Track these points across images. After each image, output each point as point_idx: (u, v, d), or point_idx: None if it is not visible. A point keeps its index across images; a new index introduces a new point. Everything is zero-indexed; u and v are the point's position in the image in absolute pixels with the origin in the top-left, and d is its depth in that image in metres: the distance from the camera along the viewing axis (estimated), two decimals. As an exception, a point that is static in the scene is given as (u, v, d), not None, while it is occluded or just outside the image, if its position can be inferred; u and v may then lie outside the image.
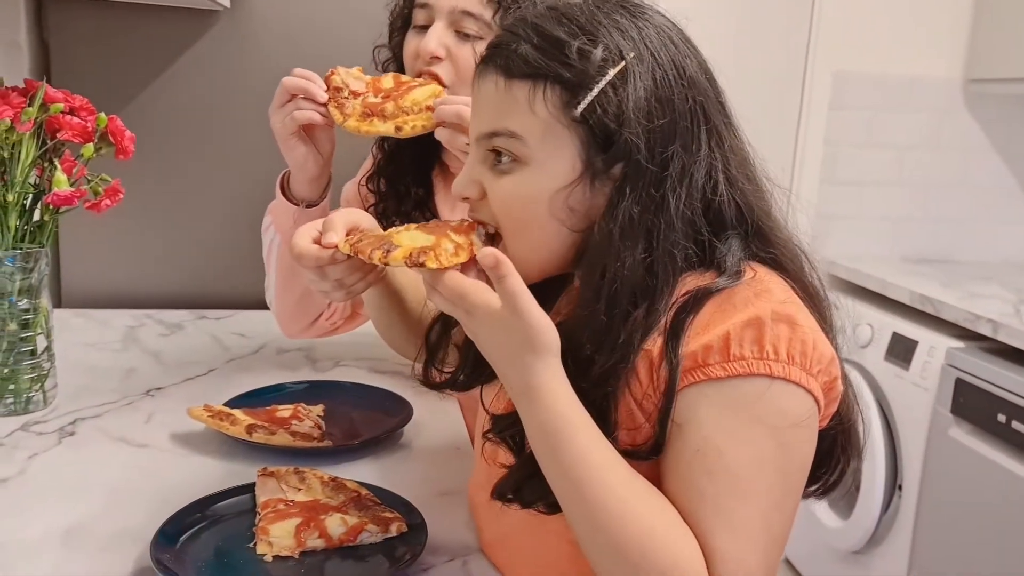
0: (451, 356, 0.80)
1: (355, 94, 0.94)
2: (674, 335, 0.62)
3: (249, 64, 1.46)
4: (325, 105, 0.94)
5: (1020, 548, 1.69)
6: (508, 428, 0.67)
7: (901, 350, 2.04)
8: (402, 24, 1.03)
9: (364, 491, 0.81)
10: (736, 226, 0.66)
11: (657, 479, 0.63)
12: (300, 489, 0.81)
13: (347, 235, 0.69)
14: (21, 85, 1.01)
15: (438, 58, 0.96)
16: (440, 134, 0.91)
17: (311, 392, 1.08)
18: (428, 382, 0.80)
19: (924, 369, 1.95)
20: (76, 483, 0.86)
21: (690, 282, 0.64)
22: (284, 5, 1.46)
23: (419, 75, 0.99)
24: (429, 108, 0.92)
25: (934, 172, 2.48)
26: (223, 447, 0.94)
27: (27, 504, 0.81)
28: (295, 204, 1.03)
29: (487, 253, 0.58)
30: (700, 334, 0.62)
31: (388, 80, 0.96)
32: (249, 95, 1.47)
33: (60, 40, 1.40)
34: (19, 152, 0.95)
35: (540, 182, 0.64)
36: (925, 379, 1.95)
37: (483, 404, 0.74)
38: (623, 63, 0.61)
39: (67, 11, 1.39)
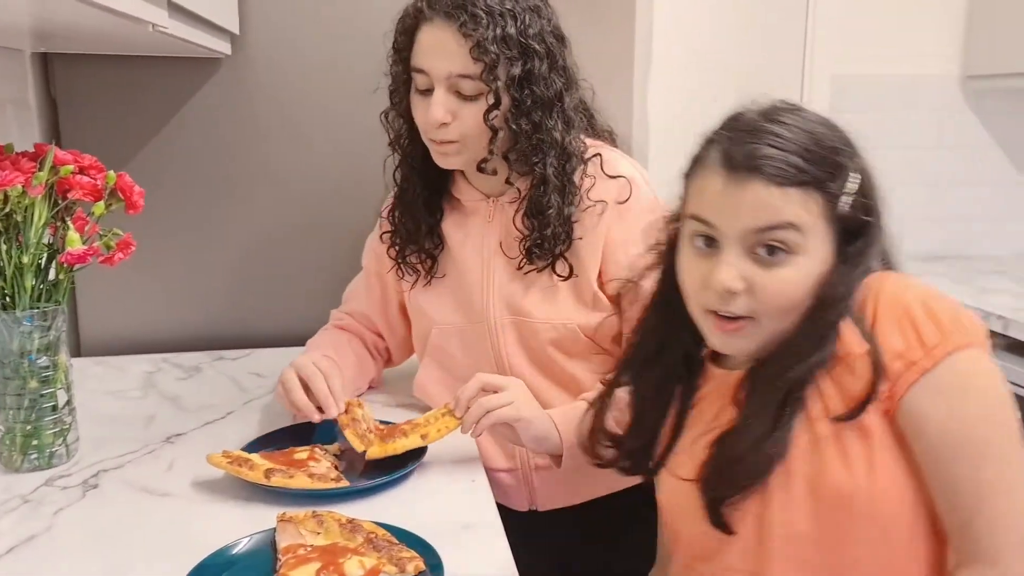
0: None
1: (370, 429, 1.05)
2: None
3: (252, 108, 1.49)
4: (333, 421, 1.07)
5: None
6: None
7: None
8: (405, 89, 1.09)
9: (381, 531, 0.83)
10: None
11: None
12: (319, 533, 0.83)
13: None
14: (31, 147, 1.04)
15: (444, 124, 1.03)
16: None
17: (326, 431, 1.10)
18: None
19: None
20: (102, 537, 0.88)
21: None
22: (284, 49, 1.49)
23: (430, 140, 1.08)
24: (448, 411, 1.02)
25: (939, 170, 2.48)
26: (244, 492, 0.96)
27: (55, 560, 0.84)
28: None
29: None
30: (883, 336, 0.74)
31: (382, 424, 1.10)
32: (253, 138, 1.50)
33: (67, 96, 1.44)
34: (32, 215, 0.98)
35: (815, 268, 0.76)
36: (940, 379, 1.94)
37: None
38: (860, 176, 0.79)
39: (73, 67, 1.42)
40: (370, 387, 1.31)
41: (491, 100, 1.02)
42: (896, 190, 2.70)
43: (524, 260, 1.10)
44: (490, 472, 1.17)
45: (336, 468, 1.00)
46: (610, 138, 1.20)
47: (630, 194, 1.10)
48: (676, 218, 0.86)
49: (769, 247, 0.76)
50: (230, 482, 0.97)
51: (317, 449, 1.03)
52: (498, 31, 1.00)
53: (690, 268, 0.81)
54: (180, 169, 1.49)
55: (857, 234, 0.79)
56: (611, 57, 2.06)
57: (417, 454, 1.02)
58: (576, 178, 1.09)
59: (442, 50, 1.01)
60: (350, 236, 1.53)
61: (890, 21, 2.40)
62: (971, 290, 2.05)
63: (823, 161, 0.76)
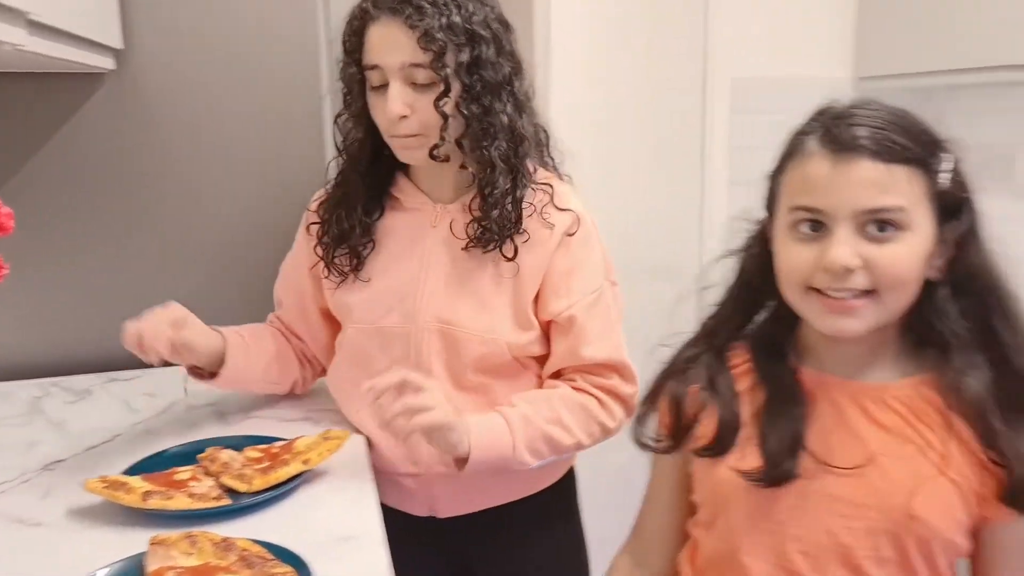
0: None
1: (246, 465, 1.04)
2: None
3: (139, 123, 1.46)
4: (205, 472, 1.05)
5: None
6: None
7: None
8: (360, 90, 1.10)
9: (256, 548, 0.82)
10: None
11: None
12: (191, 554, 0.81)
13: None
14: None
15: (403, 116, 1.06)
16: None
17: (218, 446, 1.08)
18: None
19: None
20: (-32, 570, 0.85)
21: None
22: (173, 62, 1.46)
23: (391, 136, 1.09)
24: (326, 438, 1.07)
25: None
26: (121, 518, 0.94)
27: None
28: (202, 379, 1.20)
29: None
30: None
31: (255, 451, 1.08)
32: (142, 153, 1.47)
33: (-60, 115, 1.39)
34: None
35: (921, 244, 0.79)
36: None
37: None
38: (954, 157, 0.81)
39: (-55, 85, 1.38)
40: (293, 391, 1.30)
41: (442, 87, 1.04)
42: None
43: (472, 242, 1.11)
44: (391, 476, 1.17)
45: (219, 487, 0.99)
46: (547, 138, 1.22)
47: (578, 228, 1.13)
48: (764, 224, 0.88)
49: (880, 224, 0.78)
50: (107, 508, 0.95)
51: (205, 463, 1.02)
52: (443, 20, 1.03)
53: (794, 255, 0.81)
54: (64, 187, 1.45)
55: (953, 213, 0.81)
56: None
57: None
58: (528, 164, 1.12)
59: (392, 43, 1.04)
60: (246, 251, 1.52)
61: (785, 26, 2.48)
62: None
63: (921, 140, 0.79)
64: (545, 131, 1.21)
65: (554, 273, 1.12)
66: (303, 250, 1.24)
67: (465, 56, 1.05)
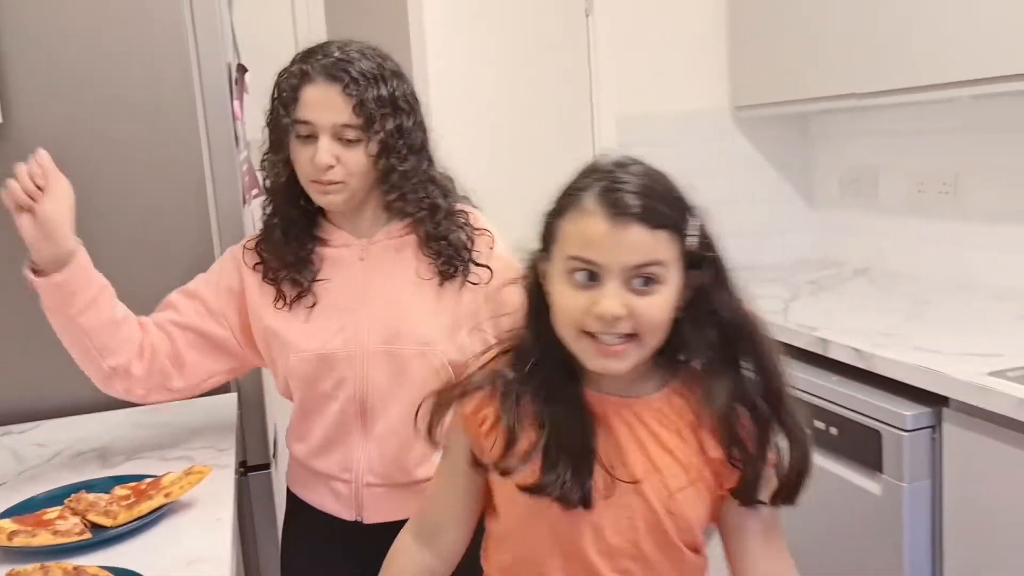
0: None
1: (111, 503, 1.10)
2: None
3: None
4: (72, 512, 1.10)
5: (816, 523, 1.88)
6: None
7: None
8: (284, 135, 1.23)
9: (104, 573, 0.90)
10: None
11: None
12: (43, 582, 0.89)
13: None
14: None
15: (331, 166, 1.20)
16: None
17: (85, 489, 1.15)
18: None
19: (721, 373, 2.15)
20: None
21: None
22: (59, 116, 1.52)
23: (313, 182, 1.22)
24: (188, 473, 1.14)
25: (722, 192, 2.71)
26: (-12, 558, 1.01)
27: None
28: (40, 276, 1.16)
29: None
30: None
31: (122, 490, 1.15)
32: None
33: None
34: None
35: (673, 294, 0.91)
36: (723, 382, 2.14)
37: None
38: (700, 222, 0.93)
39: None
40: (120, 370, 1.24)
41: (374, 148, 1.21)
42: None
43: (441, 279, 1.27)
44: (326, 481, 1.30)
45: (86, 524, 1.06)
46: (453, 185, 1.35)
47: (494, 243, 1.31)
48: (539, 258, 0.96)
49: (644, 279, 0.90)
50: (-23, 550, 1.02)
51: (71, 504, 1.09)
52: (374, 92, 1.20)
53: (569, 299, 0.91)
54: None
55: (696, 264, 0.93)
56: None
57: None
58: (457, 206, 1.30)
59: (328, 105, 1.19)
60: (140, 285, 1.58)
61: (663, 64, 2.65)
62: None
63: (677, 207, 0.92)
64: (450, 177, 1.35)
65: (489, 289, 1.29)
66: (226, 277, 1.32)
67: (390, 123, 1.21)
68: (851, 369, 1.75)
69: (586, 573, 0.95)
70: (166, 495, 1.09)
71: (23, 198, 1.11)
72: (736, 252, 3.07)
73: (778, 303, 2.18)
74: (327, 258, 1.30)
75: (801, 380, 1.84)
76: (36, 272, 1.16)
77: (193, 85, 1.57)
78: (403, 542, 1.08)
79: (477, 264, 1.28)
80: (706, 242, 0.93)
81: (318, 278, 1.29)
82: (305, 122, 1.20)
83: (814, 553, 1.86)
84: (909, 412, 1.58)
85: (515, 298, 1.19)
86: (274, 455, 1.87)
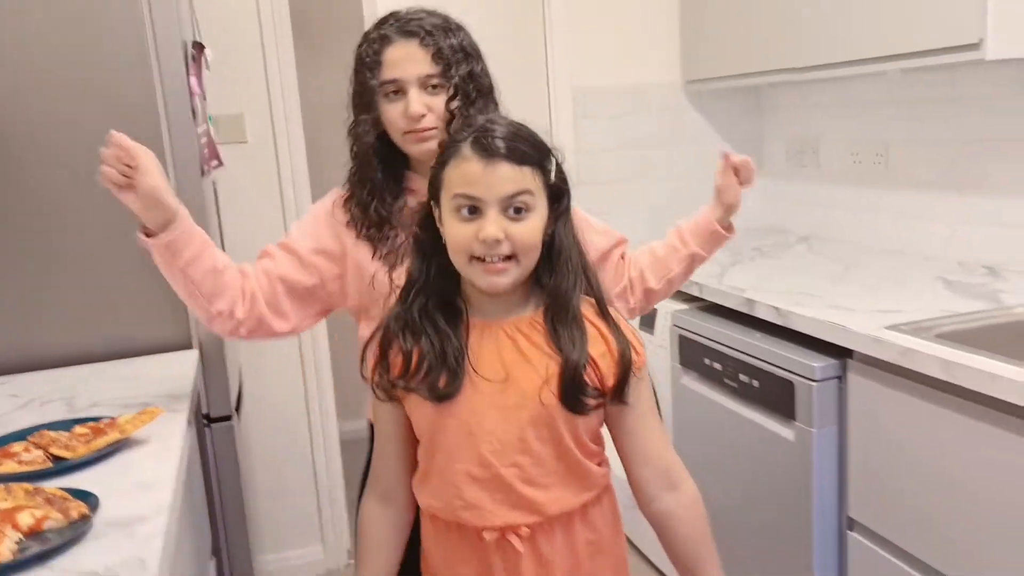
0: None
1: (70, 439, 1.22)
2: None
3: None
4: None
5: (738, 468, 2.02)
6: None
7: (648, 318, 2.38)
8: (372, 97, 1.33)
9: (60, 492, 1.03)
10: None
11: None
12: (6, 500, 1.02)
13: None
14: None
15: (424, 114, 1.31)
16: None
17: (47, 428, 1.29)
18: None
19: (663, 332, 2.29)
20: None
21: None
22: (15, 95, 1.61)
23: (407, 132, 1.32)
24: (143, 412, 1.28)
25: (675, 163, 2.86)
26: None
27: None
28: (150, 237, 1.25)
29: None
30: None
31: (82, 428, 1.26)
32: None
33: None
34: None
35: (541, 220, 1.08)
36: (664, 340, 2.28)
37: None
38: (555, 159, 1.10)
39: None
40: (225, 312, 1.33)
41: (451, 91, 1.32)
42: (637, 183, 3.11)
43: None
44: None
45: (49, 456, 1.20)
46: None
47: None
48: (428, 205, 1.12)
49: (516, 208, 1.06)
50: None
51: (32, 443, 1.22)
52: (447, 41, 1.32)
53: (459, 231, 1.07)
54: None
55: (558, 198, 1.11)
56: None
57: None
58: None
59: (411, 59, 1.31)
60: (105, 251, 1.71)
61: (618, 38, 2.76)
62: (687, 264, 2.40)
63: (538, 147, 1.09)
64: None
65: None
66: (324, 240, 1.38)
67: (464, 69, 1.33)
68: (773, 327, 1.89)
69: (486, 472, 1.10)
70: (121, 432, 1.22)
71: (121, 179, 1.19)
72: (681, 220, 3.16)
73: (717, 268, 2.31)
74: (415, 207, 1.36)
75: (729, 337, 1.99)
76: (147, 234, 1.26)
77: (150, 62, 1.68)
78: (369, 510, 1.23)
79: None
80: (562, 177, 1.11)
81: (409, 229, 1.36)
82: (392, 80, 1.32)
83: (736, 494, 2.01)
84: (817, 363, 1.71)
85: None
86: (237, 408, 2.01)
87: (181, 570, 1.21)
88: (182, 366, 1.66)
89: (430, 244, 1.12)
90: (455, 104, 1.33)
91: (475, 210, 1.06)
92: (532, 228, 1.07)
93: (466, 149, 1.06)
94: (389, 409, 1.17)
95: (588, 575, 1.17)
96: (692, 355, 2.14)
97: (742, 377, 1.94)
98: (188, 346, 1.79)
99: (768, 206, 2.90)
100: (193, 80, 1.75)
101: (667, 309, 2.26)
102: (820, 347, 1.75)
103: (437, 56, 1.31)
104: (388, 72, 1.32)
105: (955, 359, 1.40)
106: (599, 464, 1.18)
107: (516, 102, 2.79)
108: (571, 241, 1.13)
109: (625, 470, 1.20)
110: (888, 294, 1.89)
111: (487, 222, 1.05)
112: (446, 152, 1.09)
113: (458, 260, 1.09)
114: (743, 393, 1.94)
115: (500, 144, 1.05)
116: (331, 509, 2.77)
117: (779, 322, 1.86)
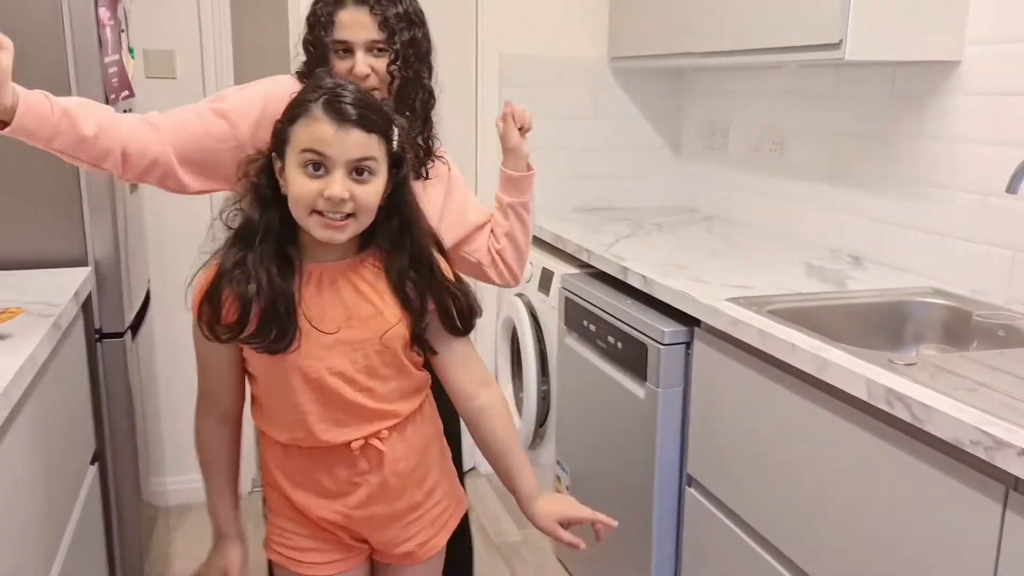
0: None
1: None
2: None
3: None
4: None
5: (601, 422, 2.16)
6: None
7: (546, 280, 2.50)
8: (325, 52, 1.48)
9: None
10: None
11: None
12: None
13: None
14: None
15: (368, 75, 1.46)
16: None
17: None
18: None
19: (555, 294, 2.42)
20: None
21: None
22: None
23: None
24: (3, 312, 1.38)
25: (595, 137, 2.96)
26: None
27: None
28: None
29: None
30: None
31: None
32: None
33: None
34: None
35: (382, 184, 1.19)
36: (555, 302, 2.41)
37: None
38: (397, 129, 1.21)
39: None
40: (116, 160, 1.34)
41: (392, 56, 1.47)
42: (555, 153, 3.23)
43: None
44: None
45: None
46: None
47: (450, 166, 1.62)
48: (272, 159, 1.19)
49: (360, 171, 1.16)
50: None
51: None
52: (393, 10, 1.46)
53: (304, 186, 1.15)
54: None
55: (397, 164, 1.22)
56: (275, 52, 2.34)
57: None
58: (433, 115, 1.56)
59: (359, 25, 1.46)
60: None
61: (546, 10, 2.84)
62: (586, 233, 2.53)
63: (384, 117, 1.20)
64: (435, 90, 1.61)
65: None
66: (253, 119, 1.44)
67: (406, 36, 1.48)
68: (644, 295, 2.02)
69: (335, 399, 1.23)
70: None
71: None
72: (601, 193, 3.43)
73: (611, 238, 2.44)
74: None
75: (603, 301, 2.12)
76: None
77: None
78: (203, 425, 1.33)
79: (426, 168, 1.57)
80: (403, 146, 1.22)
81: None
82: (343, 41, 1.47)
83: (596, 446, 2.15)
84: (668, 328, 1.85)
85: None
86: (136, 327, 2.12)
87: (33, 458, 1.33)
88: (71, 279, 1.76)
89: (269, 194, 1.21)
90: (394, 67, 1.48)
91: (320, 167, 1.15)
92: (374, 191, 1.18)
93: (317, 110, 1.15)
94: (218, 347, 1.24)
95: (431, 459, 1.36)
96: (575, 317, 2.27)
97: (610, 339, 2.07)
98: (83, 263, 1.88)
99: (682, 186, 3.03)
100: (103, 11, 1.83)
101: (560, 272, 2.38)
102: (678, 316, 1.88)
103: (383, 24, 1.46)
104: (339, 33, 1.47)
105: (770, 331, 1.54)
106: (419, 370, 1.33)
107: (445, 65, 2.89)
108: (408, 202, 1.25)
109: (445, 380, 1.34)
110: (748, 272, 2.02)
111: (334, 182, 1.14)
112: (296, 110, 1.17)
113: (298, 212, 1.18)
114: (609, 353, 2.08)
115: (352, 111, 1.15)
116: (237, 439, 2.89)
117: (644, 289, 1.98)
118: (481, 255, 1.65)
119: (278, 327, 1.18)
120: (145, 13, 2.48)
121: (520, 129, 1.62)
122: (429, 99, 1.56)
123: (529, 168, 1.65)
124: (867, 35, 1.80)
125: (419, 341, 1.26)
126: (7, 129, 1.25)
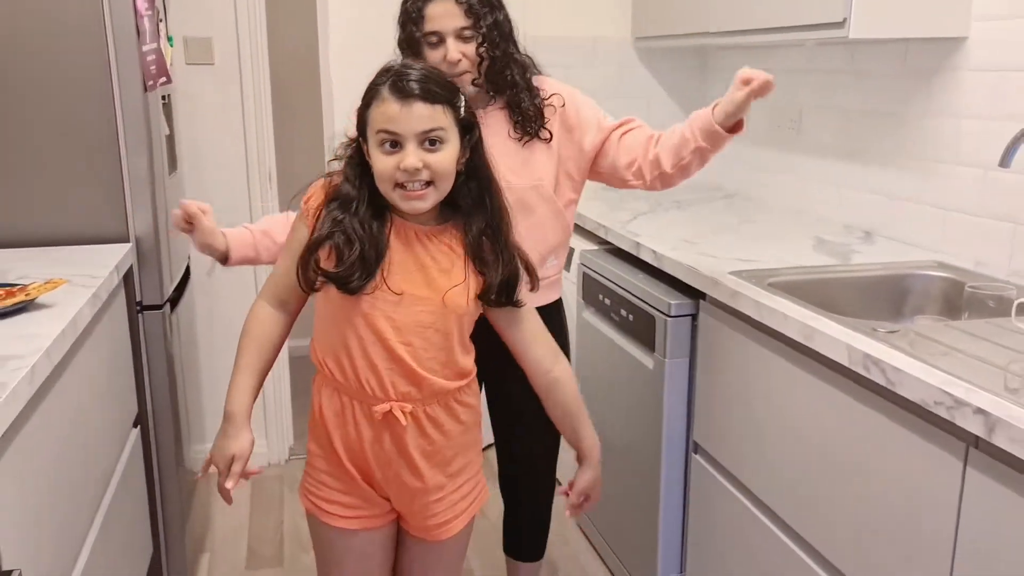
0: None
1: None
2: None
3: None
4: None
5: (613, 391, 2.24)
6: None
7: (567, 258, 2.58)
8: (417, 46, 1.60)
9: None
10: None
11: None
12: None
13: None
14: None
15: (459, 60, 1.58)
16: None
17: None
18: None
19: (574, 270, 2.49)
20: None
21: None
22: None
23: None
24: (47, 281, 1.51)
25: (619, 116, 3.00)
26: None
27: None
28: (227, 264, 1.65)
29: None
30: None
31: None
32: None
33: None
34: None
35: (454, 151, 1.29)
36: (575, 277, 2.49)
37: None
38: (463, 97, 1.32)
39: None
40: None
41: (479, 40, 1.59)
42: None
43: (517, 132, 1.68)
44: None
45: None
46: (532, 62, 1.75)
47: (564, 102, 1.75)
48: (355, 138, 1.33)
49: (431, 140, 1.26)
50: None
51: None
52: None
53: (384, 162, 1.28)
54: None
55: (468, 131, 1.32)
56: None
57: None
58: (534, 81, 1.70)
59: (448, 15, 1.58)
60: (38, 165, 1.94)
61: (572, -8, 2.90)
62: (607, 209, 2.59)
63: (448, 88, 1.30)
64: (530, 56, 1.74)
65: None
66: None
67: (490, 19, 1.60)
68: (656, 270, 2.08)
69: (381, 341, 1.33)
70: (26, 295, 1.46)
71: (185, 227, 1.59)
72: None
73: (629, 215, 2.50)
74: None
75: (617, 276, 2.19)
76: (224, 262, 1.64)
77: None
78: (260, 305, 1.44)
79: (544, 128, 1.70)
80: (471, 112, 1.33)
81: None
82: (434, 32, 1.59)
83: (608, 415, 2.23)
84: (674, 301, 1.91)
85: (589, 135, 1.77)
86: (176, 301, 2.25)
87: (77, 414, 1.46)
88: (112, 255, 1.89)
89: (360, 175, 1.33)
90: (482, 49, 1.60)
91: (396, 144, 1.27)
92: (447, 157, 1.28)
93: (385, 92, 1.27)
94: (304, 239, 1.35)
95: (459, 447, 1.43)
96: (592, 291, 2.35)
97: (622, 312, 2.14)
98: (125, 240, 2.02)
99: (710, 164, 3.05)
100: (141, 1, 1.95)
101: (580, 248, 2.45)
102: (688, 290, 1.94)
103: (469, 11, 1.58)
104: (429, 25, 1.59)
105: (765, 302, 1.59)
106: (468, 358, 1.43)
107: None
108: (484, 164, 1.35)
109: (519, 354, 1.47)
110: (758, 247, 2.07)
111: (407, 154, 1.26)
112: (368, 94, 1.29)
113: (384, 187, 1.30)
114: (622, 326, 2.15)
115: (414, 86, 1.26)
116: (276, 408, 3.04)
117: (656, 264, 2.05)
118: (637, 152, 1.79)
119: (363, 270, 1.30)
120: (184, 2, 2.60)
121: (757, 95, 1.61)
122: (525, 70, 1.69)
123: (737, 128, 1.68)
124: (871, 13, 1.83)
125: (484, 305, 1.38)
126: (229, 262, 1.63)
